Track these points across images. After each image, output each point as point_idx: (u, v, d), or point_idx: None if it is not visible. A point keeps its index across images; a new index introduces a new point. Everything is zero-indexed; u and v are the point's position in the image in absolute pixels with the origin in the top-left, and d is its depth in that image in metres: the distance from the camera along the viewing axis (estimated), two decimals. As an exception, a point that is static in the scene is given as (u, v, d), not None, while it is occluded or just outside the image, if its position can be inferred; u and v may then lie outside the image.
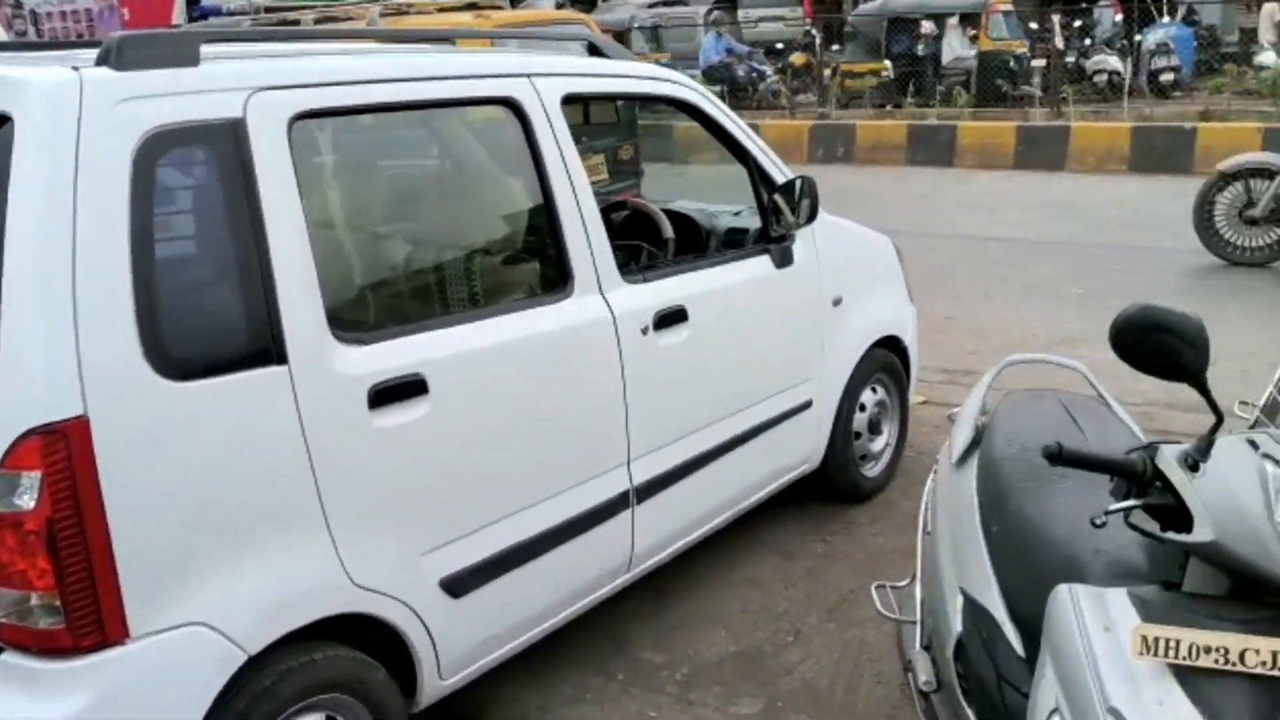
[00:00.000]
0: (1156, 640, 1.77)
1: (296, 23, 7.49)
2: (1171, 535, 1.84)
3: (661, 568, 3.72)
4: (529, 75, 3.14)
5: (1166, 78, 15.55)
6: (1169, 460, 1.87)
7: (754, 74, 18.27)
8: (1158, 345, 1.96)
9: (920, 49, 16.75)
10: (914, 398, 5.02)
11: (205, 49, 2.47)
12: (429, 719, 3.01)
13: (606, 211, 4.32)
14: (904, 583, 3.12)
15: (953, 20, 16.55)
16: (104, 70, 2.30)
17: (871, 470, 4.65)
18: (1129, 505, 1.90)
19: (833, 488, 4.50)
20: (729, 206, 4.45)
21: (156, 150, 2.30)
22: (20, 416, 2.13)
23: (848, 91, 17.06)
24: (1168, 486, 1.86)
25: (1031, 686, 1.96)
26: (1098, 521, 1.89)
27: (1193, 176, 11.91)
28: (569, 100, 3.27)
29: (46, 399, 2.14)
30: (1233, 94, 14.41)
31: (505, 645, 3.09)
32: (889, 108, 16.28)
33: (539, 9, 15.56)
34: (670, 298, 3.44)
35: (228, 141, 2.42)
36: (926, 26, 16.57)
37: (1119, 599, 1.88)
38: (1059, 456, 1.90)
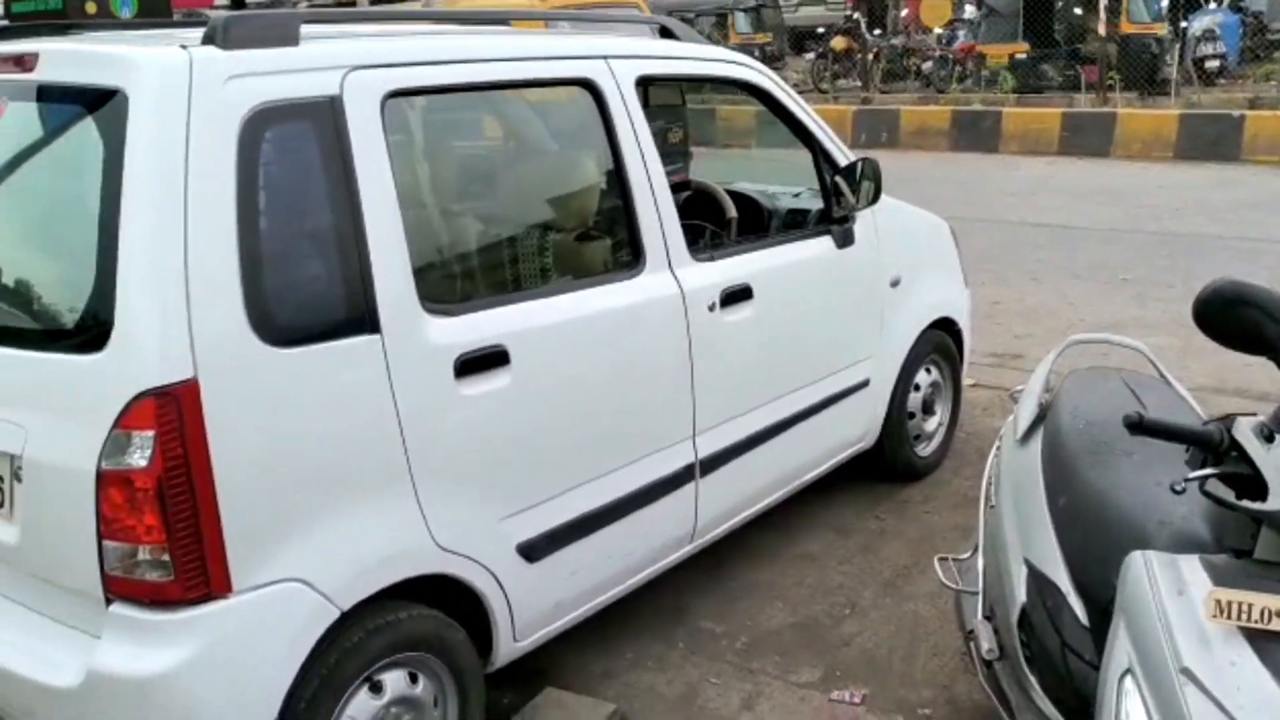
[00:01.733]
0: (1230, 604, 1.84)
1: (353, 3, 7.58)
2: (1246, 503, 1.91)
3: (720, 541, 3.81)
4: (605, 57, 3.22)
5: (1212, 65, 15.34)
6: (1245, 431, 1.93)
7: None
8: (1242, 319, 2.01)
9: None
10: (964, 380, 5.08)
11: (303, 29, 2.57)
12: (500, 678, 3.12)
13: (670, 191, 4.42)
14: (965, 555, 3.20)
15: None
16: (211, 49, 2.40)
17: (924, 449, 4.72)
18: (1207, 473, 1.97)
19: (887, 466, 4.57)
20: (788, 188, 4.51)
21: (260, 126, 2.40)
22: (135, 380, 2.24)
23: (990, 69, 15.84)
24: (1243, 456, 1.92)
25: (1105, 648, 2.03)
26: (1178, 488, 1.96)
27: (1240, 164, 11.86)
28: (642, 81, 3.35)
29: (160, 363, 2.25)
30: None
31: (575, 610, 3.19)
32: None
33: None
34: (736, 276, 3.52)
35: (325, 118, 2.52)
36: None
37: (1191, 565, 1.95)
38: (1140, 426, 1.96)
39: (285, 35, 2.53)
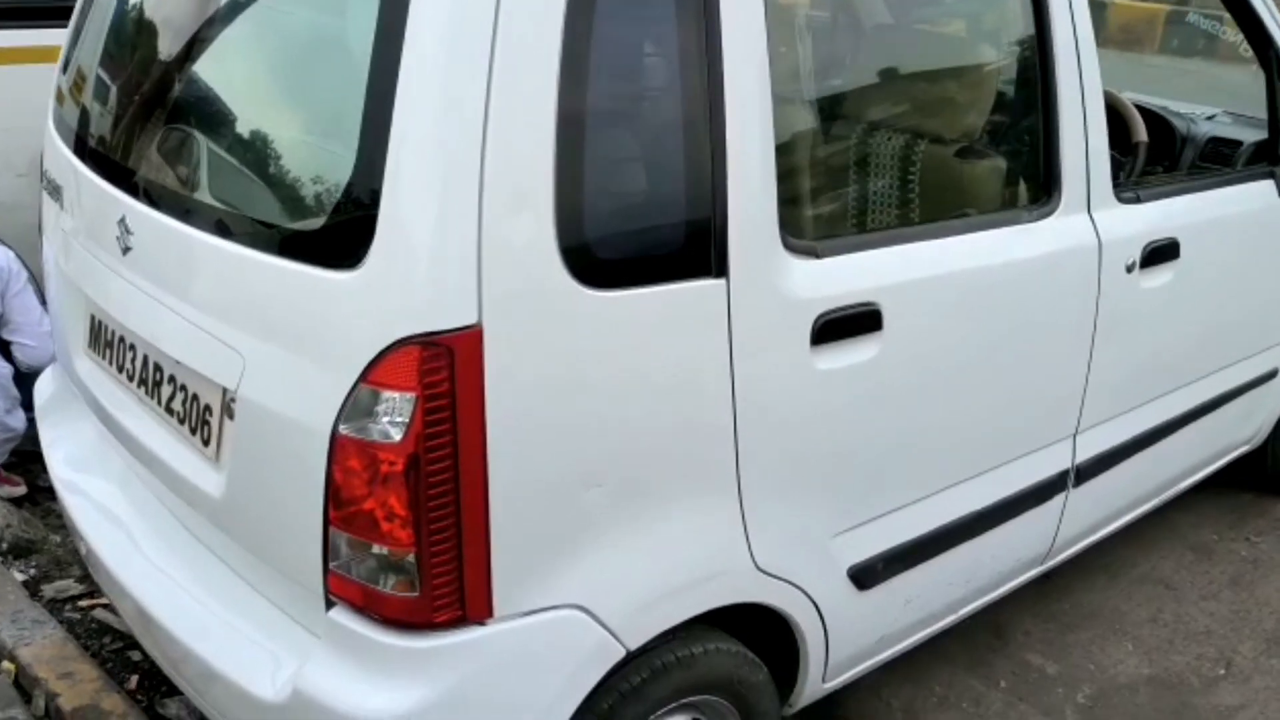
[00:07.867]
0: None
1: None
2: None
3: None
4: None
5: None
6: None
7: None
8: None
9: None
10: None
11: None
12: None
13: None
14: None
15: None
16: None
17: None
18: None
19: (1265, 473, 3.62)
20: (1201, 108, 3.50)
21: None
22: (397, 318, 1.56)
23: None
24: None
25: None
26: None
27: None
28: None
29: (432, 300, 1.55)
30: None
31: (900, 644, 2.46)
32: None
33: None
34: (1163, 226, 2.61)
35: None
36: None
37: None
38: None
39: None
